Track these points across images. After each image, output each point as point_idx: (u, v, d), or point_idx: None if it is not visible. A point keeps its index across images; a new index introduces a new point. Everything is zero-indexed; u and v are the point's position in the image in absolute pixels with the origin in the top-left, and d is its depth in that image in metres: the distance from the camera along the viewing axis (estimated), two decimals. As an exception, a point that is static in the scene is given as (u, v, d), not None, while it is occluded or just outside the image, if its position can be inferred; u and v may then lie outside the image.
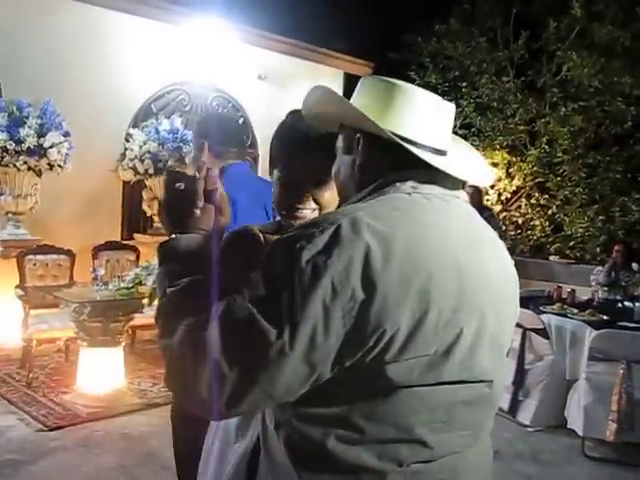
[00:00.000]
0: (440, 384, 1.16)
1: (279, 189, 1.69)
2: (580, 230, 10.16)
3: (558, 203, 10.63)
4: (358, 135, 1.32)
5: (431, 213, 1.23)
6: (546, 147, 10.77)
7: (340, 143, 1.40)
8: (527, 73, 11.17)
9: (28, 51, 6.83)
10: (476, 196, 8.41)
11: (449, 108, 1.36)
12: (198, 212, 1.32)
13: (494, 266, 1.29)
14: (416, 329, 1.10)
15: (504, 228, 10.41)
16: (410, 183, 1.26)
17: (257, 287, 1.11)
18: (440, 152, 1.32)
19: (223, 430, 1.58)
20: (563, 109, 10.41)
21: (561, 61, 10.59)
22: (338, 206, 1.54)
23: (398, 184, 1.26)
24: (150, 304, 5.02)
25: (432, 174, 1.27)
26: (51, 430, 4.54)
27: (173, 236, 1.32)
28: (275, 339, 1.05)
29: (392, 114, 1.29)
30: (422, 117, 1.31)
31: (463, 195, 1.35)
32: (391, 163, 1.29)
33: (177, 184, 1.33)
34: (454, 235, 1.23)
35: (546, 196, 10.87)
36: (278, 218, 1.77)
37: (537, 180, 10.97)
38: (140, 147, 7.24)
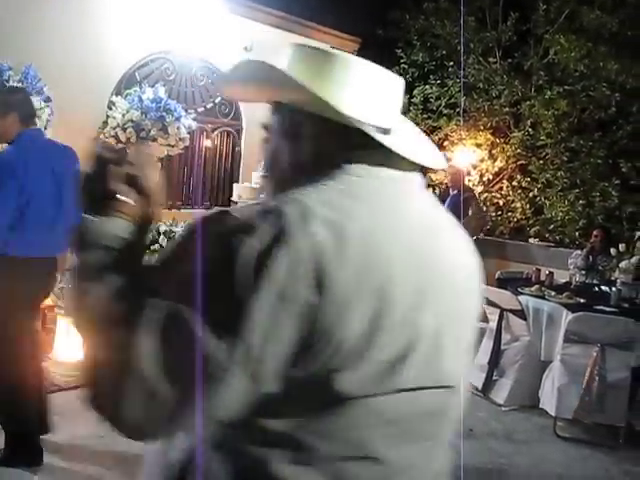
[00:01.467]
0: (397, 392, 1.03)
1: None
2: (560, 214, 10.24)
3: (539, 186, 10.70)
4: (300, 117, 1.15)
5: (385, 199, 1.10)
6: (530, 130, 10.82)
7: (276, 125, 1.20)
8: (514, 55, 11.19)
9: (9, 14, 6.69)
10: (456, 177, 8.41)
11: (397, 82, 1.21)
12: (120, 195, 1.14)
13: (455, 257, 1.17)
14: (372, 332, 0.97)
15: (485, 209, 10.48)
16: (361, 166, 1.11)
17: (190, 288, 0.94)
18: (386, 131, 1.17)
19: None
20: (548, 92, 10.44)
21: (548, 44, 10.61)
22: None
23: (347, 167, 1.10)
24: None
25: (383, 156, 1.12)
26: (27, 397, 4.52)
27: (90, 218, 1.13)
28: (214, 351, 0.91)
29: (333, 90, 1.12)
30: (367, 92, 1.15)
31: (418, 178, 1.20)
32: (339, 146, 1.13)
33: (102, 155, 1.16)
34: (411, 223, 1.10)
35: (528, 179, 10.94)
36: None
37: (519, 162, 11.03)
38: (123, 115, 7.15)
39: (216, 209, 1.04)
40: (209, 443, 1.06)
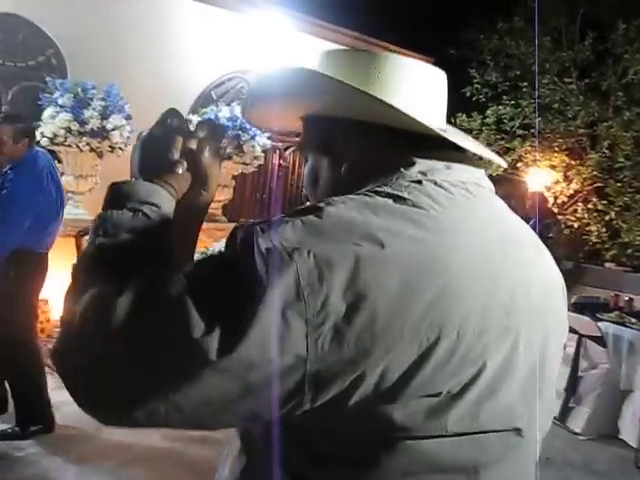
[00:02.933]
0: (453, 435, 0.87)
1: None
2: (639, 238, 9.95)
3: (616, 209, 10.42)
4: (346, 126, 1.03)
5: (450, 206, 0.93)
6: (607, 151, 10.57)
7: (312, 139, 1.11)
8: (591, 75, 10.97)
9: (93, 35, 6.91)
10: (541, 198, 8.17)
11: (442, 77, 1.09)
12: (178, 168, 1.05)
13: (536, 274, 1.00)
14: (424, 360, 0.82)
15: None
16: (418, 167, 0.97)
17: (201, 267, 0.86)
18: (443, 131, 1.03)
19: None
20: (627, 113, 10.22)
21: (628, 64, 10.37)
22: None
23: (402, 170, 0.96)
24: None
25: (443, 157, 0.99)
26: (105, 408, 4.59)
27: (134, 180, 1.05)
28: (199, 336, 0.76)
29: (388, 93, 1.00)
30: (417, 91, 1.04)
31: (488, 183, 1.05)
32: (390, 152, 1.00)
33: (169, 121, 1.09)
34: (483, 235, 0.94)
35: (604, 201, 10.67)
36: None
37: (595, 185, 10.78)
38: (199, 133, 7.29)
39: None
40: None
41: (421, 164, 0.97)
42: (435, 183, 0.95)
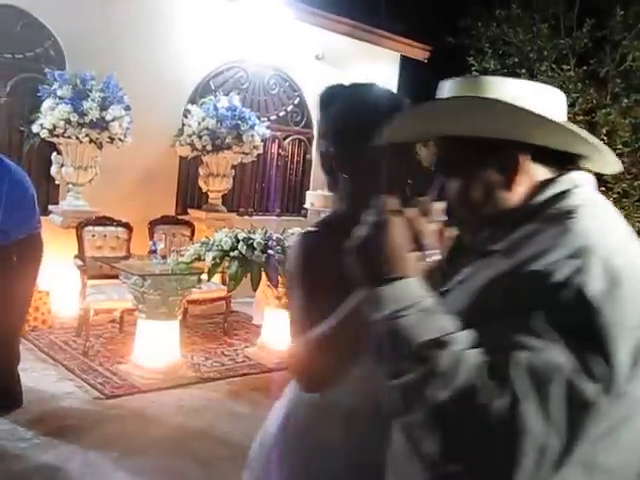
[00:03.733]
0: None
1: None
2: (637, 224, 9.96)
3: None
4: (517, 148, 1.08)
5: (611, 212, 1.11)
6: (605, 138, 10.54)
7: (463, 161, 1.13)
8: (589, 62, 10.94)
9: (91, 26, 6.87)
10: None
11: (563, 96, 1.18)
12: (416, 254, 1.03)
13: None
14: None
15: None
16: (583, 187, 1.09)
17: (557, 345, 0.90)
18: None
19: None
20: (625, 100, 10.20)
21: (626, 51, 10.35)
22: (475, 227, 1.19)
23: (574, 190, 1.08)
24: (209, 279, 5.06)
25: (578, 167, 1.14)
26: (108, 398, 4.62)
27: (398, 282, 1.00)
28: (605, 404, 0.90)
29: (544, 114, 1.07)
30: (560, 112, 1.13)
31: None
32: (550, 169, 1.11)
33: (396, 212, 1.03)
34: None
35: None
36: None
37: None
38: (198, 123, 7.27)
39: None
40: None
41: (582, 185, 1.10)
42: (597, 197, 1.10)
